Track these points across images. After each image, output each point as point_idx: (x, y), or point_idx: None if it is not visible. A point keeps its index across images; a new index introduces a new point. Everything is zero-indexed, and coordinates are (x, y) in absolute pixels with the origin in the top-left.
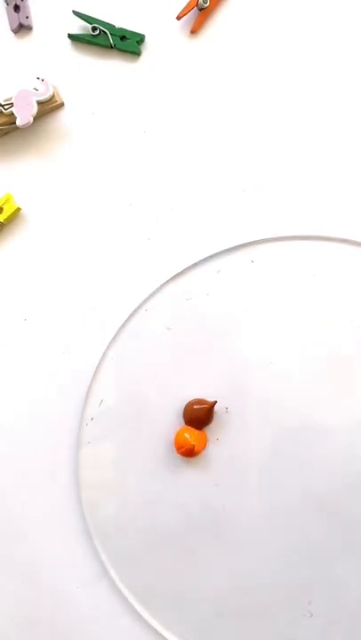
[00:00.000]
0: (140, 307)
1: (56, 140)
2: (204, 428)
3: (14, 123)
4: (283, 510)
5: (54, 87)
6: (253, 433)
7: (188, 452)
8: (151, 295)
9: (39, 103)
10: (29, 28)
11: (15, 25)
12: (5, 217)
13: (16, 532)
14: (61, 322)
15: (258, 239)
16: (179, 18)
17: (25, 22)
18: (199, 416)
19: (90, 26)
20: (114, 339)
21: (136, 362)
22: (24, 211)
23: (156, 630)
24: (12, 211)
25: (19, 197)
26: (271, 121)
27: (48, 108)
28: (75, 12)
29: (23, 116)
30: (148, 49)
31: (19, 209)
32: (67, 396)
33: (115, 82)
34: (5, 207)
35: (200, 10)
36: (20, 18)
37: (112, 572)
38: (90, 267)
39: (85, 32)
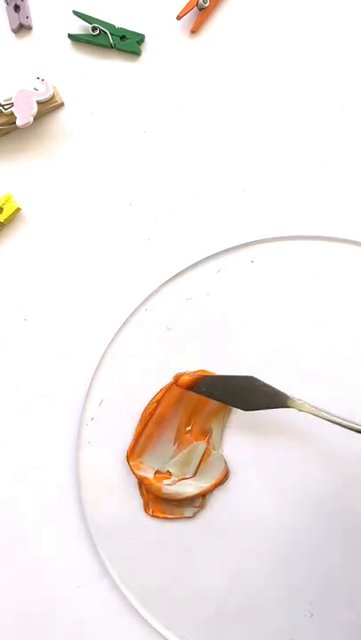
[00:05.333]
0: (140, 307)
1: (56, 140)
2: None
3: (14, 123)
4: (283, 510)
5: (54, 87)
6: (254, 432)
7: None
8: (151, 295)
9: (39, 103)
10: (29, 28)
11: (15, 25)
12: (5, 217)
13: (16, 532)
14: (61, 322)
15: (258, 239)
16: (179, 18)
17: (25, 22)
18: None
19: (90, 26)
20: (114, 339)
21: (136, 362)
22: (24, 211)
23: (156, 630)
24: (12, 211)
25: (19, 197)
26: (271, 121)
27: (48, 107)
28: (75, 12)
29: (23, 116)
30: (148, 49)
31: (19, 209)
32: (67, 396)
33: (115, 82)
34: (5, 207)
35: (200, 10)
36: (20, 18)
37: (112, 572)
38: (90, 267)
39: (85, 32)
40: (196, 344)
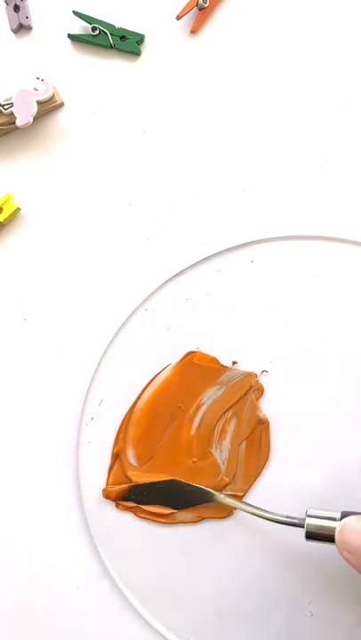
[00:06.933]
0: (139, 307)
1: (56, 140)
2: None
3: (14, 123)
4: (283, 509)
5: (54, 87)
6: None
7: None
8: (151, 295)
9: (39, 103)
10: (29, 28)
11: (15, 25)
12: (5, 217)
13: (16, 532)
14: (61, 322)
15: (258, 239)
16: (179, 18)
17: (25, 22)
18: None
19: (90, 26)
20: (114, 339)
21: (136, 362)
22: (24, 211)
23: (156, 630)
24: (12, 211)
25: (19, 197)
26: (271, 121)
27: (48, 107)
28: (75, 12)
29: (23, 116)
30: (148, 49)
31: (19, 209)
32: (67, 396)
33: (114, 82)
34: (5, 207)
35: (200, 10)
36: (19, 18)
37: (112, 572)
38: (90, 267)
39: (85, 32)
40: (196, 344)
